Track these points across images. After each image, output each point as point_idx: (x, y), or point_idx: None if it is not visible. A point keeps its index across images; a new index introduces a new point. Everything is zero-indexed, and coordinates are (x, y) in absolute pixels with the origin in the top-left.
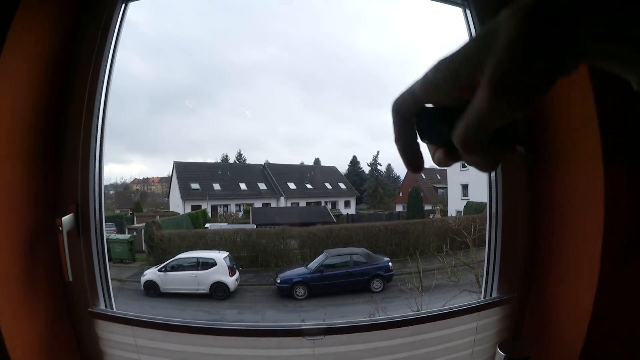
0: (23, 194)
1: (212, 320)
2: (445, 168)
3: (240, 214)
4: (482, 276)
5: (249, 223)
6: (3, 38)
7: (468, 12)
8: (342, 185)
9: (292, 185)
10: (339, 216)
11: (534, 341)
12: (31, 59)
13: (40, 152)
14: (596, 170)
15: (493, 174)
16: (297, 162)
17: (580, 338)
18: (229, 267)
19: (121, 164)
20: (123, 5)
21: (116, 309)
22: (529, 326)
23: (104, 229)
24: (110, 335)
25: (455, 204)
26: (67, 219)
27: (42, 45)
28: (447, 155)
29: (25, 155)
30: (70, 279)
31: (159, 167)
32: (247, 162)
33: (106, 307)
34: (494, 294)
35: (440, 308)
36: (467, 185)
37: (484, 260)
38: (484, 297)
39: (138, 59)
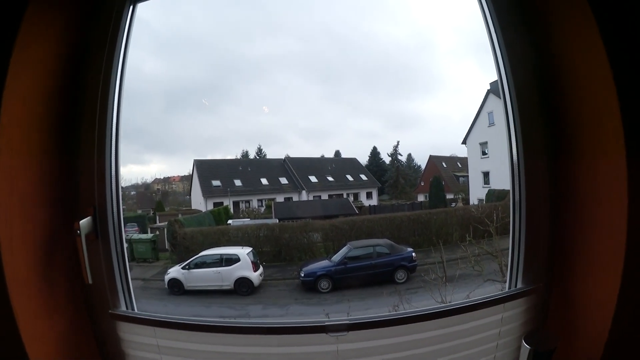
0: (41, 197)
1: (237, 316)
2: (465, 156)
3: (263, 209)
4: (505, 265)
5: (271, 218)
6: (12, 43)
7: None
8: (363, 177)
9: (313, 179)
10: (361, 208)
11: (559, 332)
12: (40, 63)
13: (57, 156)
14: (619, 161)
15: (515, 163)
16: (318, 155)
17: (605, 329)
18: (252, 262)
19: (141, 164)
20: (131, 7)
21: (138, 310)
22: (554, 317)
23: (123, 230)
24: (132, 337)
25: (477, 192)
26: (85, 222)
27: (51, 49)
28: None
29: (42, 159)
30: (90, 282)
31: (179, 166)
32: (268, 157)
33: (127, 308)
34: (519, 285)
35: (465, 300)
36: (489, 172)
37: (508, 250)
38: (509, 287)
39: (150, 57)
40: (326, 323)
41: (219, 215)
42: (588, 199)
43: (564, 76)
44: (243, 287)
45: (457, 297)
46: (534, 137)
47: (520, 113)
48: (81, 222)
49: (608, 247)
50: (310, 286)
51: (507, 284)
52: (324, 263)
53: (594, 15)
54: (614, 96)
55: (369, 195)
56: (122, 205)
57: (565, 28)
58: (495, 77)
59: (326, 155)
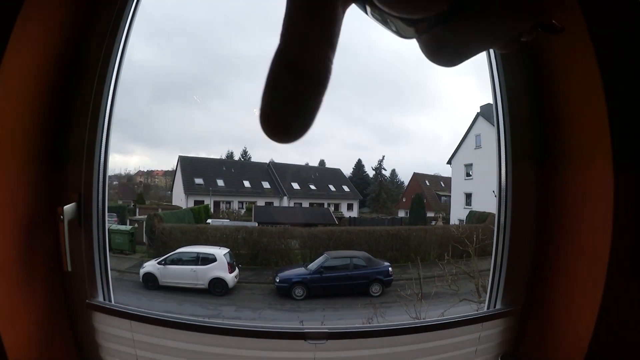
0: (25, 182)
1: (209, 316)
2: (449, 176)
3: (243, 211)
4: (482, 286)
5: (251, 221)
6: (10, 29)
7: None
8: (345, 188)
9: (295, 186)
10: (341, 219)
11: (535, 355)
12: (39, 47)
13: (45, 140)
14: (606, 178)
15: (503, 186)
16: (302, 163)
17: (582, 352)
18: (228, 263)
19: (123, 154)
20: None
21: (114, 302)
22: (532, 339)
23: (107, 220)
24: (108, 329)
25: (457, 213)
26: (69, 207)
27: (50, 35)
28: None
29: (30, 143)
30: (70, 269)
31: (162, 160)
32: (252, 159)
33: (104, 299)
34: (498, 305)
35: (444, 317)
36: (471, 194)
37: (487, 270)
38: (488, 307)
39: (141, 42)
40: (305, 330)
41: (199, 213)
42: (573, 220)
43: (555, 88)
44: (217, 287)
45: (432, 314)
46: (524, 157)
47: (512, 129)
48: (65, 207)
49: (590, 270)
50: (284, 292)
51: (486, 304)
52: (300, 270)
53: (587, 28)
54: (605, 111)
55: (349, 207)
56: None
57: (558, 39)
58: (486, 100)
59: (311, 164)
